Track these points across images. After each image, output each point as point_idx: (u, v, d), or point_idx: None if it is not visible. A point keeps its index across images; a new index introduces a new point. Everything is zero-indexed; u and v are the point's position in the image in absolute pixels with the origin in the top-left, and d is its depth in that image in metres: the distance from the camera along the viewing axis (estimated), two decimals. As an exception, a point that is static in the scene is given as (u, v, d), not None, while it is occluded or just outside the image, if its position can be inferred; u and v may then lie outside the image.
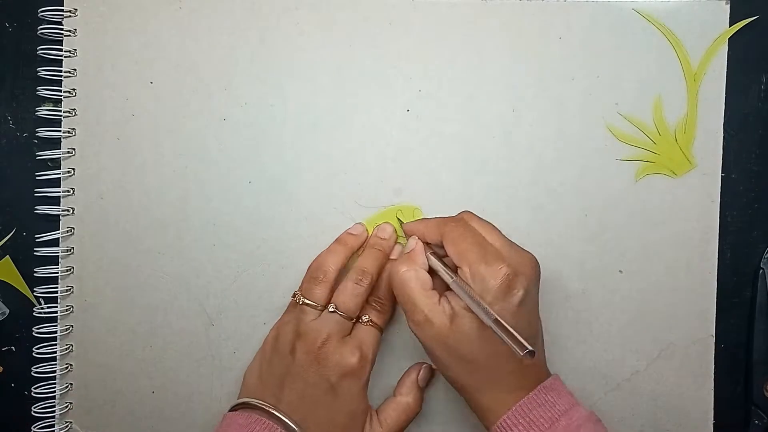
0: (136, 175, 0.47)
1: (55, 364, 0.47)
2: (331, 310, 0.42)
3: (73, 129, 0.47)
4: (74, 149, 0.47)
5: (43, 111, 0.46)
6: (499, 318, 0.36)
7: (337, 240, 0.46)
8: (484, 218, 0.43)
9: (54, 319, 0.47)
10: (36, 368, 0.47)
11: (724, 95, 0.45)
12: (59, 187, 0.47)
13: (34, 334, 0.47)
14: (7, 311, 0.47)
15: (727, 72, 0.45)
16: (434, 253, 0.42)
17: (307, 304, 0.42)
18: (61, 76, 0.46)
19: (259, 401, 0.41)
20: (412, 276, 0.41)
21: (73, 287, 0.47)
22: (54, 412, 0.47)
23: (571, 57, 0.45)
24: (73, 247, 0.47)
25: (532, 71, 0.46)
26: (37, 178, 0.47)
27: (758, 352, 0.45)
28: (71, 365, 0.47)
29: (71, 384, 0.47)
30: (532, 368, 0.40)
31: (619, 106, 0.45)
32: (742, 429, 0.46)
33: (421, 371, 0.45)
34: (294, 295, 0.44)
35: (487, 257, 0.39)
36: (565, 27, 0.45)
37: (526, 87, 0.46)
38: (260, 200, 0.47)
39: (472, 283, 0.39)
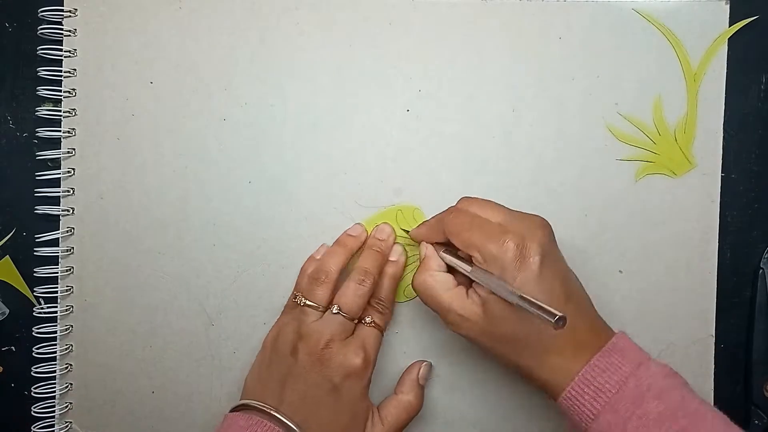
0: (136, 175, 0.47)
1: (55, 364, 0.47)
2: (334, 311, 0.42)
3: (73, 129, 0.47)
4: (74, 149, 0.47)
5: (43, 111, 0.46)
6: (519, 292, 0.35)
7: (336, 241, 0.46)
8: (481, 197, 0.42)
9: (54, 319, 0.47)
10: (36, 368, 0.47)
11: (724, 95, 0.45)
12: (59, 187, 0.47)
13: (34, 334, 0.47)
14: (7, 311, 0.47)
15: (727, 72, 0.45)
16: (447, 250, 0.42)
17: (308, 306, 0.42)
18: (61, 76, 0.46)
19: (259, 403, 0.41)
20: (431, 282, 0.41)
21: (73, 287, 0.47)
22: (54, 412, 0.47)
23: (571, 57, 0.45)
24: (73, 247, 0.47)
25: (532, 71, 0.46)
26: (37, 178, 0.47)
27: (758, 352, 0.45)
28: (71, 365, 0.47)
29: (71, 384, 0.47)
30: (585, 330, 0.39)
31: (619, 106, 0.45)
32: (742, 429, 0.46)
33: (421, 369, 0.45)
34: (295, 297, 0.44)
35: (492, 235, 0.39)
36: (565, 27, 0.45)
37: (526, 87, 0.46)
38: (260, 200, 0.47)
39: (487, 266, 0.38)
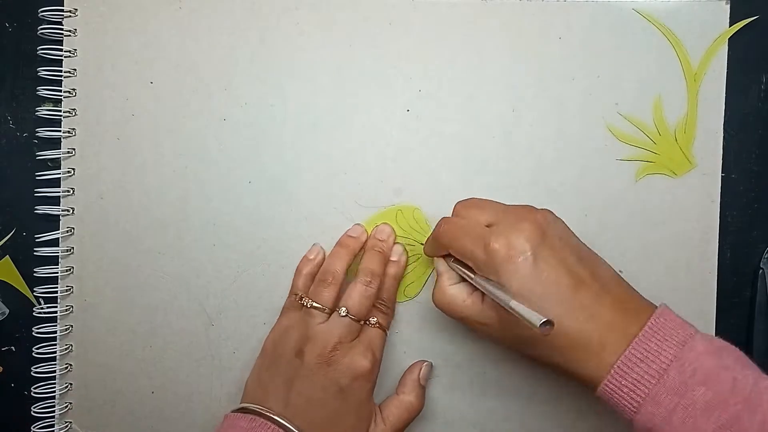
0: (136, 175, 0.47)
1: (55, 364, 0.47)
2: (342, 314, 0.41)
3: (73, 129, 0.47)
4: (74, 149, 0.47)
5: (43, 111, 0.46)
6: (507, 298, 0.34)
7: (338, 243, 0.46)
8: (478, 197, 0.42)
9: (54, 319, 0.47)
10: (36, 368, 0.47)
11: (724, 95, 0.45)
12: (59, 187, 0.47)
13: (33, 334, 0.47)
14: (7, 311, 0.47)
15: (727, 72, 0.45)
16: (456, 259, 0.41)
17: (315, 307, 0.42)
18: (61, 76, 0.46)
19: (259, 407, 0.40)
20: (447, 298, 0.41)
21: (73, 287, 0.47)
22: (54, 412, 0.47)
23: (571, 57, 0.45)
24: (73, 247, 0.47)
25: (532, 71, 0.46)
26: (37, 178, 0.47)
27: (758, 352, 0.45)
28: (71, 365, 0.47)
29: (71, 384, 0.47)
30: (612, 314, 0.35)
31: (619, 106, 0.45)
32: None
33: (422, 369, 0.45)
34: (301, 299, 0.43)
35: (477, 241, 0.38)
36: (565, 27, 0.45)
37: (526, 87, 0.46)
38: (260, 200, 0.47)
39: (482, 272, 0.38)
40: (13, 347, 0.48)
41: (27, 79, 0.47)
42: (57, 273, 0.47)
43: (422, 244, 0.46)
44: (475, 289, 0.40)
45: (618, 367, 0.34)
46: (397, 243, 0.46)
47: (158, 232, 0.47)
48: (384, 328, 0.44)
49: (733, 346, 0.35)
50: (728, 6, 0.45)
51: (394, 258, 0.45)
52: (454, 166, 0.46)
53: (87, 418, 0.48)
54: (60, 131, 0.47)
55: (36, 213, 0.47)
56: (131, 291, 0.47)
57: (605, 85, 0.45)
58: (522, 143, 0.46)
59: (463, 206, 0.42)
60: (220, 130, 0.47)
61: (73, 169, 0.47)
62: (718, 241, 0.45)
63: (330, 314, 0.42)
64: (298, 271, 0.46)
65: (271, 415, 0.40)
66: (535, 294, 0.36)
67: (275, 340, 0.43)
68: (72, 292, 0.47)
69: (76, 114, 0.47)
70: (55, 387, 0.47)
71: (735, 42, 0.45)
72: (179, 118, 0.47)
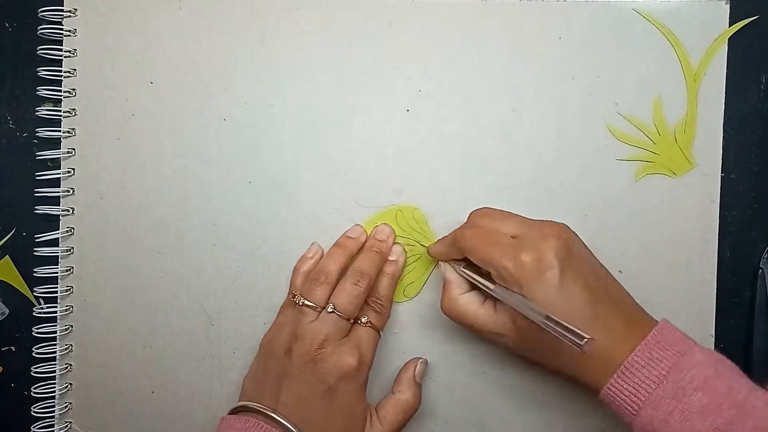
0: (136, 175, 0.47)
1: (55, 364, 0.47)
2: (329, 310, 0.42)
3: (73, 129, 0.47)
4: (74, 149, 0.47)
5: (43, 111, 0.46)
6: (545, 313, 0.35)
7: (336, 243, 0.46)
8: (493, 207, 0.42)
9: (54, 319, 0.47)
10: (36, 368, 0.47)
11: (724, 95, 0.45)
12: (59, 187, 0.47)
13: (33, 334, 0.47)
14: (7, 311, 0.47)
15: (727, 72, 0.45)
16: (467, 266, 0.41)
17: (307, 305, 0.42)
18: (61, 76, 0.46)
19: (255, 404, 0.40)
20: (459, 309, 0.41)
21: (72, 287, 0.47)
22: (54, 412, 0.47)
23: (571, 57, 0.45)
24: (73, 247, 0.47)
25: (532, 71, 0.46)
26: (37, 178, 0.47)
27: (758, 352, 0.45)
28: (71, 365, 0.47)
29: (71, 384, 0.47)
30: (621, 326, 0.37)
31: (619, 106, 0.45)
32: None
33: (418, 366, 0.45)
34: (294, 297, 0.43)
35: (506, 251, 0.38)
36: (565, 27, 0.45)
37: (526, 87, 0.46)
38: (260, 200, 0.47)
39: (506, 283, 0.38)
40: (13, 347, 0.48)
41: (27, 79, 0.47)
42: (57, 273, 0.47)
43: (422, 244, 0.46)
44: (487, 297, 0.40)
45: (621, 372, 0.36)
46: (397, 243, 0.46)
47: (158, 232, 0.47)
48: (376, 328, 0.43)
49: (729, 360, 0.36)
50: (728, 6, 0.45)
51: (392, 257, 0.45)
52: (454, 166, 0.46)
53: (87, 418, 0.48)
54: (60, 131, 0.47)
55: (36, 213, 0.47)
56: (131, 291, 0.47)
57: (605, 85, 0.45)
58: (522, 143, 0.46)
59: (480, 215, 0.42)
60: (220, 130, 0.47)
61: (73, 169, 0.47)
62: (717, 241, 0.45)
63: (321, 312, 0.42)
64: (296, 269, 0.46)
65: (266, 412, 0.40)
66: (560, 308, 0.36)
67: (270, 338, 0.43)
68: (72, 292, 0.47)
69: (76, 114, 0.47)
70: (55, 387, 0.47)
71: (735, 42, 0.45)
72: (179, 118, 0.47)
